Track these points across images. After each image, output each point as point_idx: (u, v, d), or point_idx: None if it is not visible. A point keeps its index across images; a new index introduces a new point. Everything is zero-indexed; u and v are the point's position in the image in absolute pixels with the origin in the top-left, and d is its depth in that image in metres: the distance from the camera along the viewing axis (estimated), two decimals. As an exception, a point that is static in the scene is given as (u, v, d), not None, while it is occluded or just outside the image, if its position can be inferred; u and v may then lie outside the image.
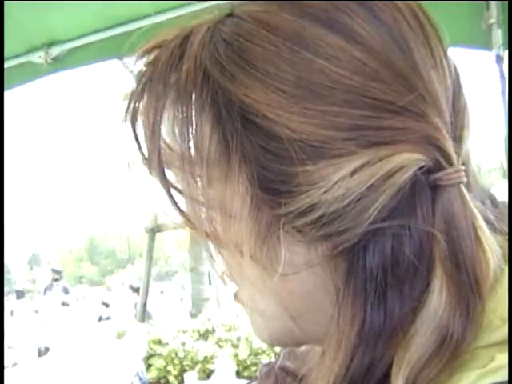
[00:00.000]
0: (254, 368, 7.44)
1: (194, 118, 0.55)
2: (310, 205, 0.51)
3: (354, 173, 0.50)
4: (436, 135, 0.52)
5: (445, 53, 0.56)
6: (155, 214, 10.57)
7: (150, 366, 8.11)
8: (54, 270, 14.97)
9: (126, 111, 0.57)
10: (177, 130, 0.55)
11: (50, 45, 3.21)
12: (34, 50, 3.23)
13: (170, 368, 8.18)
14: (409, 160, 0.51)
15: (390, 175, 0.50)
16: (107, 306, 16.43)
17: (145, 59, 0.59)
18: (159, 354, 8.32)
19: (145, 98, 0.57)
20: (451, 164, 0.52)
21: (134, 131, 0.57)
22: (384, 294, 0.51)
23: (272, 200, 0.53)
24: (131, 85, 0.58)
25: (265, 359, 7.34)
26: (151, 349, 8.32)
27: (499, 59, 2.48)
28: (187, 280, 15.58)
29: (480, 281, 0.50)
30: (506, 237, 0.56)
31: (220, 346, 8.23)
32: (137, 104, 0.57)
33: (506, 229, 0.57)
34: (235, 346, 8.04)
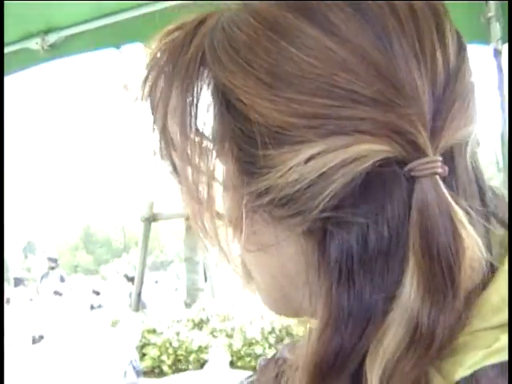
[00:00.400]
0: (247, 358, 7.47)
1: (194, 96, 0.59)
2: (266, 187, 0.54)
3: (308, 160, 0.52)
4: (405, 126, 0.51)
5: (442, 43, 0.55)
6: (151, 203, 10.56)
7: (144, 355, 8.14)
8: (50, 259, 14.95)
9: (144, 84, 0.62)
10: (180, 105, 0.59)
11: (47, 32, 3.20)
12: (30, 36, 3.21)
13: (164, 357, 8.21)
14: (367, 151, 0.51)
15: (343, 165, 0.51)
16: (98, 293, 16.44)
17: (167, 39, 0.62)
18: (153, 344, 8.35)
19: (162, 75, 0.61)
20: (424, 155, 0.52)
21: (151, 102, 0.62)
22: (352, 279, 0.52)
23: (242, 179, 0.57)
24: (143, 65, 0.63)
25: (259, 349, 7.36)
26: (145, 338, 8.34)
27: (497, 53, 2.47)
28: (182, 270, 15.58)
29: (455, 273, 0.50)
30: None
31: (214, 336, 8.25)
32: (153, 80, 0.62)
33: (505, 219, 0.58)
34: (229, 336, 8.07)
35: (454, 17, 0.58)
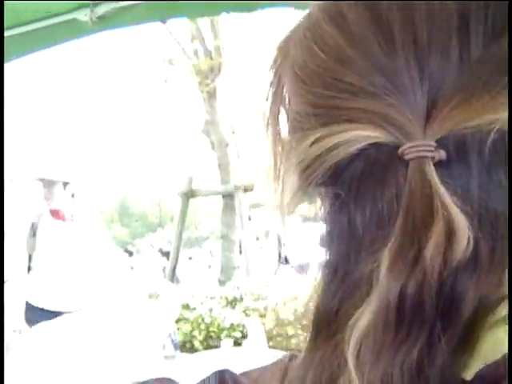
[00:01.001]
0: (279, 338, 7.50)
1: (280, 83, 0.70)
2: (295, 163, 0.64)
3: (312, 144, 0.60)
4: (393, 114, 0.57)
5: (462, 36, 0.57)
6: (190, 178, 10.59)
7: (176, 329, 8.21)
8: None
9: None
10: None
11: (97, 3, 3.21)
12: (80, 7, 3.23)
13: (195, 333, 8.28)
14: (356, 136, 0.57)
15: (334, 148, 0.58)
16: (131, 254, 16.66)
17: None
18: (186, 319, 8.42)
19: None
20: (413, 140, 0.56)
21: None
22: (343, 247, 0.60)
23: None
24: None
25: (291, 330, 7.37)
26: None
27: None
28: (216, 247, 15.66)
29: (422, 253, 0.52)
30: None
31: (247, 315, 8.29)
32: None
33: None
34: (262, 316, 8.10)
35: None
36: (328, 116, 0.60)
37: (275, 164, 0.70)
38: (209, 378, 0.74)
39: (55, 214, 5.62)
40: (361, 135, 0.57)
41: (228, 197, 10.85)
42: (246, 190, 9.79)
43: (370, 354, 0.52)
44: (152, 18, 3.47)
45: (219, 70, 12.20)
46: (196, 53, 12.79)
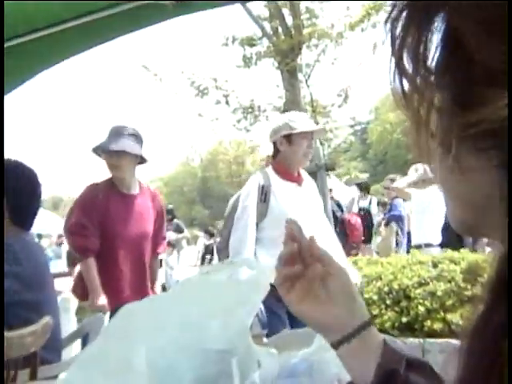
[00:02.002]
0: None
1: (429, 34, 0.67)
2: (475, 120, 0.61)
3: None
4: None
5: None
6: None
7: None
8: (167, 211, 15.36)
9: (387, 18, 0.70)
10: (416, 40, 0.68)
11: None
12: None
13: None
14: None
15: None
16: (212, 235, 16.80)
17: None
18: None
19: (404, 12, 0.69)
20: None
21: (391, 35, 0.70)
22: None
23: (454, 109, 0.65)
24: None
25: (375, 310, 7.28)
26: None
27: None
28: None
29: None
30: None
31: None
32: (395, 16, 0.70)
33: None
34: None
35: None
36: None
37: (427, 120, 0.69)
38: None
39: (285, 172, 5.12)
40: None
41: (310, 175, 10.75)
42: (327, 168, 9.66)
43: None
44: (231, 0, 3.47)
45: (299, 49, 12.09)
46: (276, 32, 12.70)
